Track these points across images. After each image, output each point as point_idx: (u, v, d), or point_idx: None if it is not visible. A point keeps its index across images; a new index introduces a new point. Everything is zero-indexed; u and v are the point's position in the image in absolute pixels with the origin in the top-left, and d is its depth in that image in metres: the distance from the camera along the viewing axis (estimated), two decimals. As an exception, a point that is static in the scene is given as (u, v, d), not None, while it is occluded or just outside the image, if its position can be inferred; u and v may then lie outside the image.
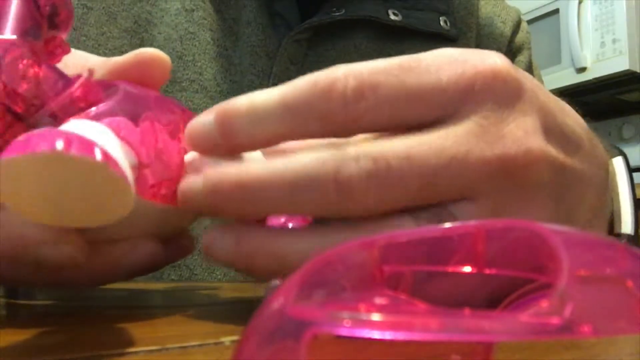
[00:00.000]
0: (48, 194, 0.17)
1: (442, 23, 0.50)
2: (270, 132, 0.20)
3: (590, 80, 1.57)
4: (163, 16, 0.44)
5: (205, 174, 0.20)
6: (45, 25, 0.20)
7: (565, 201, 0.22)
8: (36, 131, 0.16)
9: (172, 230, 0.25)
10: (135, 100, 0.22)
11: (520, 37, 0.57)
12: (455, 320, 0.08)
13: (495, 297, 0.13)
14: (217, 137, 0.20)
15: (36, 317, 0.23)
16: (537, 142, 0.20)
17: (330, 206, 0.19)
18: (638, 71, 1.50)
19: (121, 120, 0.20)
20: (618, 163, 0.28)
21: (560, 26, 1.63)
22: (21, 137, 0.16)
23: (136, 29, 0.44)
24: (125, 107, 0.21)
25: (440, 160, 0.19)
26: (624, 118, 1.71)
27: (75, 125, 0.19)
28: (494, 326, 0.08)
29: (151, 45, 0.44)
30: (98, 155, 0.16)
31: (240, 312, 0.24)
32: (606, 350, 0.17)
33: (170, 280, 0.42)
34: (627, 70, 1.49)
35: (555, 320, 0.09)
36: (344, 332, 0.09)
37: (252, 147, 0.21)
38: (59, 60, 0.22)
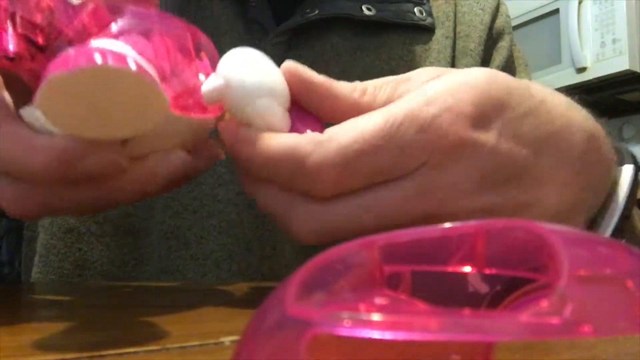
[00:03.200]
0: (89, 107, 0.19)
1: (417, 13, 0.50)
2: (253, 173, 0.25)
3: (590, 80, 1.57)
4: None
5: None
6: None
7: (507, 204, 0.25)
8: (70, 49, 0.18)
9: (195, 140, 0.26)
10: (142, 17, 0.23)
11: (499, 22, 0.56)
12: (455, 320, 0.08)
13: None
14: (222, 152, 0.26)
15: (36, 317, 0.23)
16: (464, 204, 0.24)
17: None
18: (638, 71, 1.50)
19: (137, 38, 0.22)
20: (626, 171, 0.29)
21: (560, 26, 1.63)
22: (58, 57, 0.17)
23: None
24: (135, 25, 0.22)
25: (373, 220, 0.24)
26: (624, 118, 1.71)
27: (99, 44, 0.20)
28: (494, 326, 0.08)
29: None
30: (132, 65, 0.18)
31: (240, 312, 0.24)
32: (606, 350, 0.17)
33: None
34: (627, 70, 1.49)
35: (555, 320, 0.09)
36: (344, 332, 0.09)
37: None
38: None
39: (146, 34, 0.22)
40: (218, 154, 0.28)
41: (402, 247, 0.12)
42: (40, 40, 0.21)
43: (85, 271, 0.43)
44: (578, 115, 0.27)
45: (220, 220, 0.42)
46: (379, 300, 0.11)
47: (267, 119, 0.24)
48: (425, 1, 0.52)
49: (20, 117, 0.22)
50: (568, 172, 0.25)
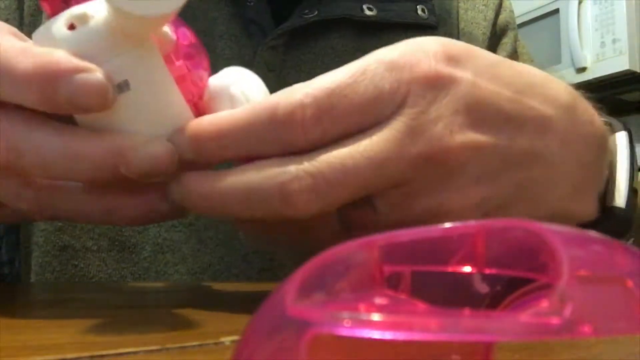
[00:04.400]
0: None
1: (419, 12, 0.49)
2: (235, 154, 0.23)
3: (590, 80, 1.57)
4: None
5: (180, 182, 0.23)
6: None
7: (502, 180, 0.24)
8: None
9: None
10: None
11: (503, 18, 0.55)
12: (455, 320, 0.08)
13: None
14: (191, 155, 0.23)
15: (36, 317, 0.23)
16: (457, 138, 0.23)
17: (277, 213, 0.22)
18: (638, 71, 1.50)
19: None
20: (620, 138, 0.29)
21: (560, 26, 1.63)
22: None
23: None
24: None
25: (371, 166, 0.22)
26: (624, 118, 1.70)
27: None
28: (494, 326, 0.08)
29: None
30: None
31: (240, 312, 0.24)
32: (606, 350, 0.17)
33: (169, 281, 0.42)
34: (627, 70, 1.49)
35: (555, 320, 0.09)
36: (344, 332, 0.09)
37: (221, 162, 0.24)
38: None
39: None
40: None
41: (402, 247, 0.12)
42: None
43: (82, 271, 0.43)
44: (558, 80, 0.26)
45: (217, 232, 0.41)
46: (379, 300, 0.11)
47: (251, 98, 0.25)
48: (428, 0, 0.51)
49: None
50: (562, 124, 0.25)
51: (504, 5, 0.56)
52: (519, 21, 1.80)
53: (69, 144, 0.22)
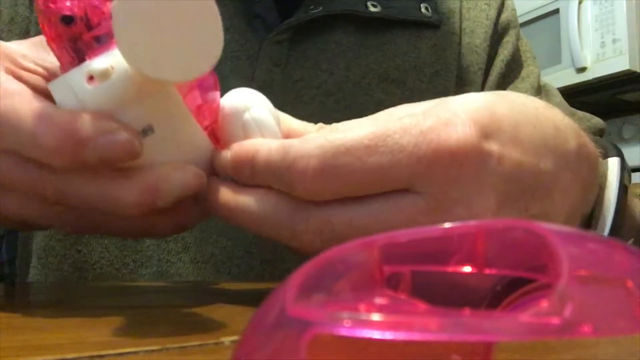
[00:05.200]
0: (156, 33, 0.20)
1: (423, 10, 0.49)
2: (258, 182, 0.25)
3: (590, 80, 1.57)
4: None
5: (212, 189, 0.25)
6: None
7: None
8: None
9: (205, 170, 0.27)
10: None
11: (505, 17, 0.55)
12: (455, 320, 0.08)
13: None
14: (230, 172, 0.25)
15: (36, 317, 0.23)
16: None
17: (285, 242, 0.24)
18: (638, 71, 1.50)
19: None
20: (612, 163, 0.29)
21: (560, 26, 1.63)
22: None
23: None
24: None
25: (381, 230, 0.21)
26: (624, 118, 1.71)
27: None
28: (494, 326, 0.08)
29: None
30: None
31: (240, 312, 0.24)
32: (606, 350, 0.17)
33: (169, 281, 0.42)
34: (627, 70, 1.49)
35: (555, 320, 0.09)
36: (344, 332, 0.09)
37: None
38: None
39: None
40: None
41: (402, 247, 0.12)
42: (94, 20, 0.22)
43: (85, 273, 0.43)
44: (559, 115, 0.26)
45: (220, 223, 0.42)
46: (379, 300, 0.11)
47: (261, 125, 0.25)
48: None
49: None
50: (568, 176, 0.25)
51: (506, 4, 0.56)
52: (519, 21, 1.80)
53: (105, 189, 0.23)
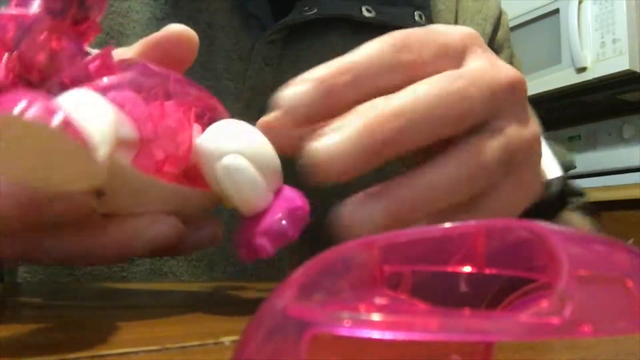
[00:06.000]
0: (22, 155, 0.17)
1: (416, 18, 0.49)
2: (362, 89, 0.23)
3: (590, 80, 1.57)
4: (134, 27, 0.44)
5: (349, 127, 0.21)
6: (75, 6, 0.21)
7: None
8: (10, 93, 0.16)
9: (191, 213, 0.25)
10: (152, 76, 0.23)
11: (501, 34, 0.55)
12: (455, 320, 0.08)
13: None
14: (318, 99, 0.22)
15: (36, 316, 0.23)
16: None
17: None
18: (638, 71, 1.50)
19: (128, 94, 0.21)
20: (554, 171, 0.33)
21: (560, 26, 1.63)
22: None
23: (108, 40, 0.44)
24: (139, 82, 0.22)
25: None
26: (624, 118, 1.71)
27: (71, 94, 0.19)
28: (494, 326, 0.08)
29: None
30: (55, 121, 0.16)
31: (240, 312, 0.24)
32: (606, 350, 0.17)
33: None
34: (627, 70, 1.49)
35: (555, 320, 0.09)
36: (344, 332, 0.09)
37: (347, 106, 0.22)
38: (89, 40, 0.22)
39: (149, 93, 0.22)
40: (217, 234, 0.27)
41: (402, 247, 0.12)
42: (34, 77, 0.20)
43: (75, 271, 0.43)
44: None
45: None
46: (379, 300, 0.11)
47: (234, 179, 0.22)
48: (426, 6, 0.51)
49: None
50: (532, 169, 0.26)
51: (502, 21, 0.56)
52: (519, 21, 1.80)
53: (84, 242, 0.22)
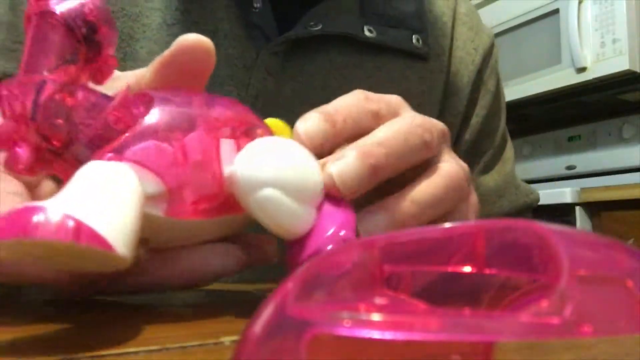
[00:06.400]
0: (50, 260, 0.17)
1: (414, 41, 0.51)
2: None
3: (590, 80, 1.57)
4: (145, 31, 0.45)
5: (358, 153, 0.24)
6: (84, 47, 0.20)
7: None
8: (12, 211, 0.16)
9: (239, 231, 0.26)
10: (172, 110, 0.22)
11: (490, 65, 0.57)
12: (455, 320, 0.08)
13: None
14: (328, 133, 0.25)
15: (36, 316, 0.23)
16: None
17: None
18: (638, 71, 1.50)
19: (149, 145, 0.20)
20: None
21: (560, 26, 1.63)
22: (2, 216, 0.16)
23: (119, 43, 0.45)
24: (160, 123, 0.21)
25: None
26: (624, 118, 1.71)
27: (90, 169, 0.19)
28: (494, 326, 0.08)
29: (134, 59, 0.44)
30: (67, 235, 0.15)
31: (240, 312, 0.24)
32: (606, 350, 0.17)
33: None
34: (627, 70, 1.49)
35: (555, 320, 0.09)
36: (344, 332, 0.09)
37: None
38: (108, 76, 0.22)
39: (169, 131, 0.21)
40: (269, 253, 0.27)
41: (402, 247, 0.12)
42: (58, 147, 0.20)
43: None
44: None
45: None
46: (379, 300, 0.11)
47: (269, 212, 0.21)
48: (424, 30, 0.52)
49: None
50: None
51: (493, 52, 0.57)
52: (518, 21, 1.80)
53: (157, 273, 0.23)
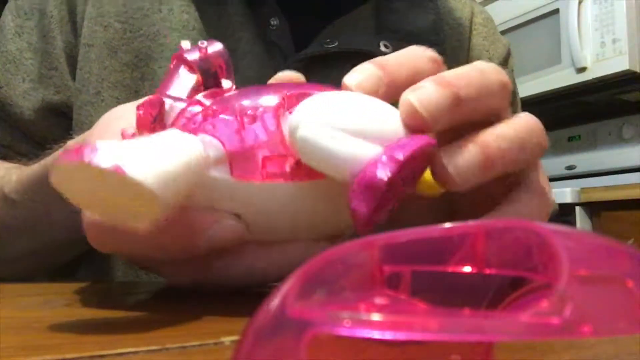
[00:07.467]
0: (94, 194, 0.20)
1: None
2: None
3: (590, 80, 1.57)
4: (162, 51, 0.46)
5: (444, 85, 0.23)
6: (206, 80, 0.26)
7: None
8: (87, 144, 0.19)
9: (333, 226, 0.25)
10: (239, 96, 0.25)
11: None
12: (455, 320, 0.08)
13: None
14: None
15: (36, 317, 0.23)
16: None
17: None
18: (638, 71, 1.50)
19: (219, 119, 0.23)
20: None
21: (560, 26, 1.63)
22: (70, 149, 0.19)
23: (137, 62, 0.45)
24: (233, 101, 0.24)
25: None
26: (624, 118, 1.71)
27: (153, 137, 0.21)
28: (494, 326, 0.08)
29: (152, 79, 0.45)
30: (109, 163, 0.18)
31: (240, 312, 0.24)
32: (606, 350, 0.17)
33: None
34: (627, 70, 1.49)
35: (555, 320, 0.09)
36: (344, 332, 0.09)
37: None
38: (222, 94, 0.26)
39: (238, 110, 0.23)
40: None
41: (402, 247, 0.12)
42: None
43: (76, 274, 0.43)
44: None
45: None
46: (379, 300, 0.11)
47: (308, 152, 0.21)
48: (440, 43, 0.52)
49: None
50: None
51: (509, 63, 0.57)
52: (518, 21, 1.80)
53: (242, 262, 0.25)
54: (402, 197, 0.22)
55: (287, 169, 0.22)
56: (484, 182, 0.23)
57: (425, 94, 0.22)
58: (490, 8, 1.83)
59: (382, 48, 0.49)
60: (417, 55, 0.25)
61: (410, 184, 0.23)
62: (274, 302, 0.10)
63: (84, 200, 0.21)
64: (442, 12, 0.53)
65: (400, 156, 0.20)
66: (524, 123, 0.25)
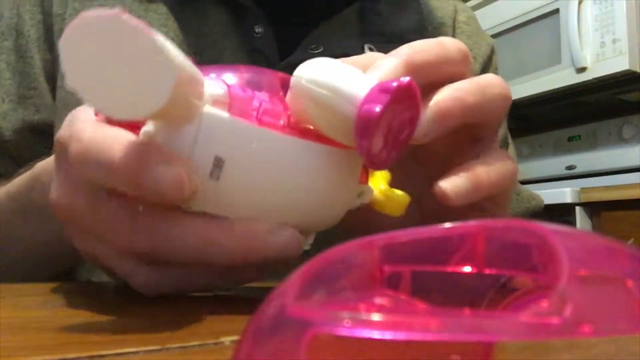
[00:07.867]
0: (99, 72, 0.19)
1: None
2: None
3: (590, 80, 1.57)
4: None
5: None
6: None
7: None
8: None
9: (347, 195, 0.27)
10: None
11: (490, 72, 0.57)
12: (455, 320, 0.08)
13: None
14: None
15: (36, 317, 0.23)
16: None
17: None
18: (638, 71, 1.50)
19: (226, 73, 0.25)
20: None
21: (560, 26, 1.63)
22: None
23: None
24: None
25: None
26: (624, 118, 1.71)
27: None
28: (494, 326, 0.08)
29: None
30: (130, 19, 0.18)
31: (240, 312, 0.24)
32: (606, 350, 0.17)
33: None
34: (627, 70, 1.49)
35: (555, 320, 0.09)
36: (344, 332, 0.09)
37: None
38: None
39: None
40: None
41: (402, 247, 0.12)
42: None
43: (76, 275, 0.43)
44: None
45: None
46: (379, 300, 0.11)
47: (309, 102, 0.24)
48: None
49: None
50: None
51: (492, 60, 0.57)
52: (518, 21, 1.80)
53: (203, 234, 0.23)
54: (407, 141, 0.25)
55: (282, 122, 0.24)
56: (444, 131, 0.26)
57: (385, 65, 0.25)
58: (490, 8, 1.83)
59: (367, 51, 0.49)
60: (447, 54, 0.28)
61: (408, 128, 0.25)
62: (274, 302, 0.10)
63: (86, 80, 0.19)
64: (425, 11, 0.53)
65: (394, 84, 0.23)
66: (482, 77, 0.28)
